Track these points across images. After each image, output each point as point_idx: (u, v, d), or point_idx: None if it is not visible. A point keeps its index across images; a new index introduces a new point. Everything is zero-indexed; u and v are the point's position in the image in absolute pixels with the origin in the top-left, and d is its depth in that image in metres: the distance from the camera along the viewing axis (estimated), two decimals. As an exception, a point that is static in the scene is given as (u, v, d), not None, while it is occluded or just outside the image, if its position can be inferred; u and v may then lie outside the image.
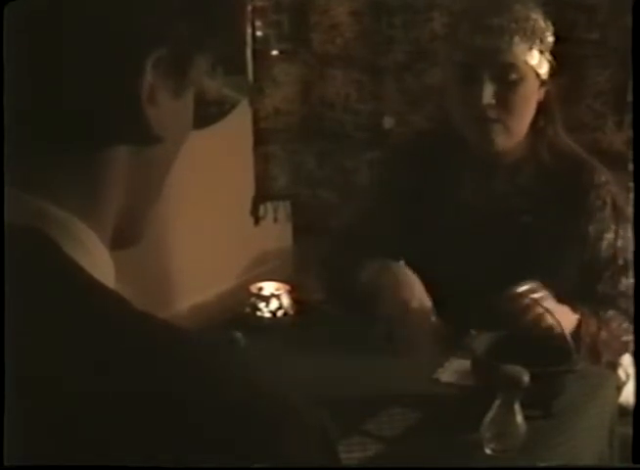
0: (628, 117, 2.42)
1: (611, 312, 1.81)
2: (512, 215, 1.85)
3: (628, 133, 2.41)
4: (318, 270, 2.09)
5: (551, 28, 1.80)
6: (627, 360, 2.00)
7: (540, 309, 1.65)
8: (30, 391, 0.53)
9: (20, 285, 0.55)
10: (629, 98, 2.38)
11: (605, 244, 1.84)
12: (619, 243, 1.84)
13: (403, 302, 1.73)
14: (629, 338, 1.82)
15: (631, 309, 1.83)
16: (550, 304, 1.67)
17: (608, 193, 1.85)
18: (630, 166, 2.28)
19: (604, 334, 1.78)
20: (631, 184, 2.00)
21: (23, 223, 0.59)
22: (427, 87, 2.71)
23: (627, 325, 1.82)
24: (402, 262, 1.82)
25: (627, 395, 1.92)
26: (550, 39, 1.79)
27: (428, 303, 1.74)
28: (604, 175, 1.86)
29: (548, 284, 1.73)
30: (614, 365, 1.90)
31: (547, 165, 1.85)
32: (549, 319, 1.64)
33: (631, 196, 1.95)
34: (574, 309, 1.74)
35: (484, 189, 1.89)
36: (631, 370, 1.98)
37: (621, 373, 1.99)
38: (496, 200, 1.87)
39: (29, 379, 0.54)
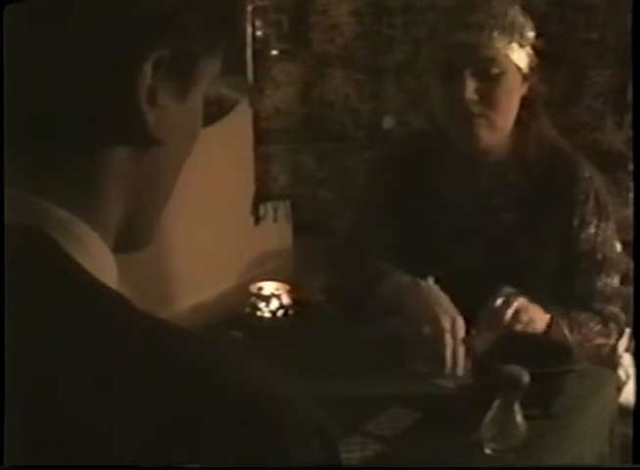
0: (628, 117, 2.42)
1: (584, 315, 1.80)
2: (496, 213, 1.86)
3: (628, 133, 2.41)
4: (321, 270, 2.08)
5: (530, 24, 1.81)
6: (628, 360, 2.00)
7: (525, 317, 1.67)
8: (30, 391, 0.53)
9: (20, 285, 0.55)
10: (629, 98, 2.38)
11: (584, 237, 1.84)
12: (599, 238, 1.85)
13: (434, 319, 1.66)
14: (602, 341, 1.82)
15: (606, 311, 1.83)
16: (529, 308, 1.69)
17: (591, 188, 1.85)
18: (630, 166, 2.28)
19: (576, 336, 1.77)
20: (631, 184, 2.01)
21: (24, 223, 0.59)
22: (427, 87, 2.71)
23: (600, 328, 1.81)
24: (431, 280, 1.75)
25: (628, 394, 1.92)
26: (530, 34, 1.80)
27: (460, 320, 1.66)
28: (588, 170, 1.87)
29: (529, 282, 1.76)
30: (609, 364, 1.91)
31: (532, 162, 1.86)
32: (533, 324, 1.68)
33: (631, 196, 1.95)
34: (546, 310, 1.74)
35: (470, 188, 1.89)
36: (631, 370, 1.98)
37: (622, 373, 1.99)
38: (481, 198, 1.88)
39: (29, 379, 0.54)
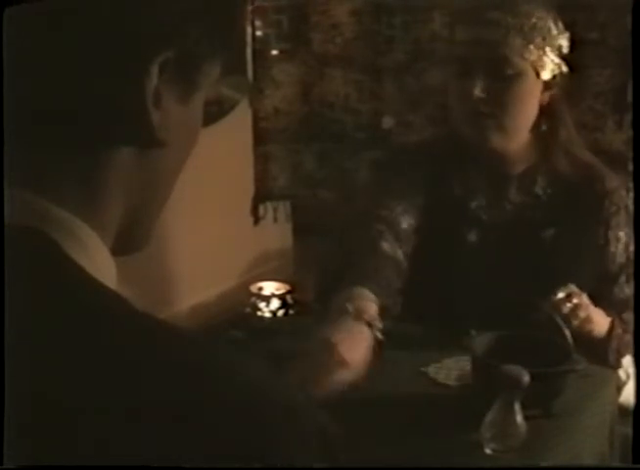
0: (628, 117, 2.42)
1: (631, 315, 1.81)
2: (532, 229, 1.84)
3: (628, 133, 2.41)
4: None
5: (564, 33, 1.77)
6: (628, 360, 2.00)
7: (583, 314, 1.68)
8: (30, 391, 0.53)
9: (20, 286, 0.55)
10: (629, 98, 2.38)
11: (621, 248, 1.85)
12: (631, 247, 1.85)
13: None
14: None
15: None
16: (589, 307, 1.70)
17: (620, 198, 1.86)
18: (630, 166, 2.28)
19: (627, 336, 1.78)
20: (631, 184, 2.01)
21: (24, 223, 0.59)
22: (427, 87, 2.71)
23: None
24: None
25: (628, 394, 1.92)
26: (561, 43, 1.77)
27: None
28: (614, 181, 1.87)
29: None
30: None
31: (562, 173, 1.84)
32: (591, 324, 1.70)
33: (631, 195, 1.96)
34: (607, 312, 1.76)
35: (500, 201, 1.87)
36: (632, 370, 1.98)
37: (622, 373, 1.99)
38: (512, 211, 1.86)
39: (29, 379, 0.54)
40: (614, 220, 1.85)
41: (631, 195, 1.92)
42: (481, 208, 1.86)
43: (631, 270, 1.86)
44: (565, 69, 1.79)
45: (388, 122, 2.85)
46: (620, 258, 1.86)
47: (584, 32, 2.45)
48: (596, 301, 1.77)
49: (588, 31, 2.45)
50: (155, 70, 0.59)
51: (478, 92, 1.71)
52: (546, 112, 1.81)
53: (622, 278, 1.87)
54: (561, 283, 1.72)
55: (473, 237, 1.85)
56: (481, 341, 1.62)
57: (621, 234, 1.86)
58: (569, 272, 1.82)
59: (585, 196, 1.85)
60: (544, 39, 1.74)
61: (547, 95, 1.79)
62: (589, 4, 2.44)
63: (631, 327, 1.82)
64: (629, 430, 1.22)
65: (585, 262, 1.85)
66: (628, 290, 1.87)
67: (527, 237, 1.84)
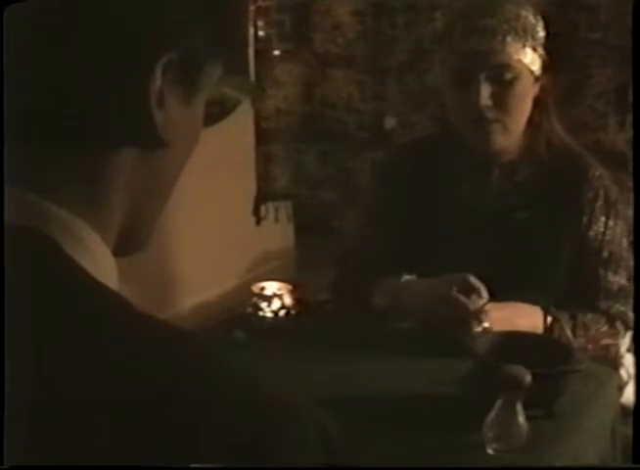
0: (630, 117, 2.42)
1: (590, 315, 1.81)
2: (509, 212, 1.86)
3: (630, 133, 2.41)
4: (329, 271, 2.08)
5: (541, 23, 1.81)
6: (629, 360, 2.00)
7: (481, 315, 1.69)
8: (31, 391, 0.53)
9: (20, 286, 0.55)
10: (630, 98, 2.38)
11: (592, 235, 1.85)
12: (607, 236, 1.85)
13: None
14: (609, 341, 1.82)
15: (613, 310, 1.83)
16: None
17: (601, 186, 1.86)
18: (631, 167, 2.28)
19: (580, 338, 1.77)
20: (631, 184, 2.01)
21: (25, 223, 0.59)
22: (429, 87, 2.71)
23: (607, 329, 1.81)
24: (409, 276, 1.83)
25: (629, 394, 1.92)
26: (541, 34, 1.81)
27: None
28: (598, 170, 1.88)
29: (541, 279, 1.81)
30: (615, 365, 1.91)
31: (543, 161, 1.87)
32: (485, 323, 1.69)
33: (631, 196, 1.96)
34: (550, 312, 1.74)
35: (483, 187, 1.89)
36: (633, 370, 1.98)
37: (623, 373, 1.99)
38: (494, 197, 1.88)
39: (30, 379, 0.54)
40: (589, 206, 1.85)
41: (632, 195, 1.92)
42: (466, 195, 1.90)
43: (601, 260, 1.86)
44: (546, 59, 1.82)
45: (390, 123, 2.85)
46: (591, 245, 1.85)
47: (585, 32, 2.45)
48: (562, 291, 1.81)
49: (589, 31, 2.45)
50: (158, 71, 0.59)
51: (484, 100, 1.74)
52: (536, 104, 1.84)
53: (590, 266, 1.86)
54: (537, 265, 1.79)
55: (458, 223, 1.89)
56: (483, 341, 1.62)
57: (595, 220, 1.85)
58: (543, 257, 1.84)
59: (565, 182, 1.87)
60: (534, 38, 1.79)
61: (537, 87, 1.83)
62: (591, 4, 2.44)
63: (593, 328, 1.81)
64: (631, 430, 1.22)
65: (560, 248, 1.86)
66: (595, 282, 1.86)
67: (507, 223, 1.86)
